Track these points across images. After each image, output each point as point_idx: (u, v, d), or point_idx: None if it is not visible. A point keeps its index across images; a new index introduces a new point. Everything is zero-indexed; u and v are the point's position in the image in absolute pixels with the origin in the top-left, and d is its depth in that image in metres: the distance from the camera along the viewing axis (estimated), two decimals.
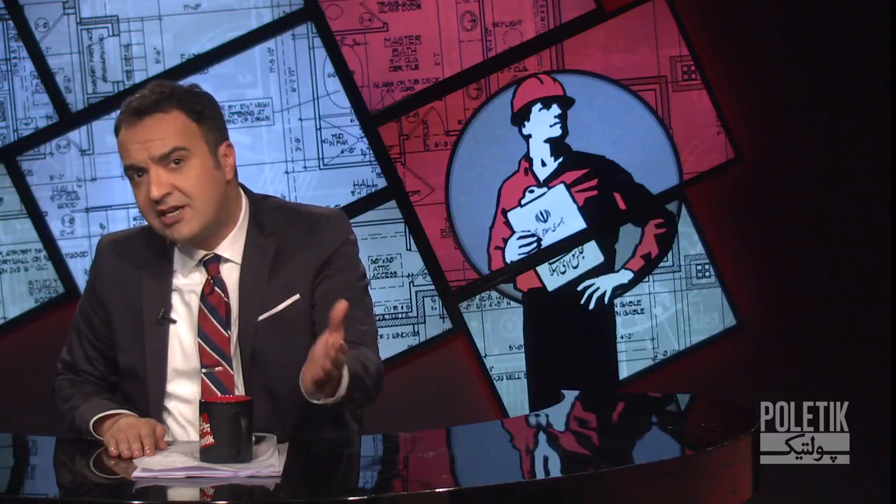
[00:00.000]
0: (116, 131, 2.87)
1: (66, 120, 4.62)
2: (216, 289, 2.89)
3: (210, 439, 2.57)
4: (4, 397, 4.54)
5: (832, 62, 4.76)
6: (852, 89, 4.77)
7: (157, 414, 2.88)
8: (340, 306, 2.53)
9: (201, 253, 2.91)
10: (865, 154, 4.78)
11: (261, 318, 2.87)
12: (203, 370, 2.87)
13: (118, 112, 2.89)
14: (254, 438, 2.63)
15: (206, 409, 2.59)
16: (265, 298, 2.88)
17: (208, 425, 2.57)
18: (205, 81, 4.05)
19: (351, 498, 2.40)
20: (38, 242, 4.62)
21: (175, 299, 2.91)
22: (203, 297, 2.89)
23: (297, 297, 2.89)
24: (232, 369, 2.87)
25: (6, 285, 4.62)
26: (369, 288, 3.00)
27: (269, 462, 2.58)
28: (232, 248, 2.91)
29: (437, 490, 2.44)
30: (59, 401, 2.98)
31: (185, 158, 2.83)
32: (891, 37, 4.72)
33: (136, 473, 2.55)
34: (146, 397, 2.89)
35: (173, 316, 2.90)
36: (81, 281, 4.60)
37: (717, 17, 4.76)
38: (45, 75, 4.59)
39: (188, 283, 2.91)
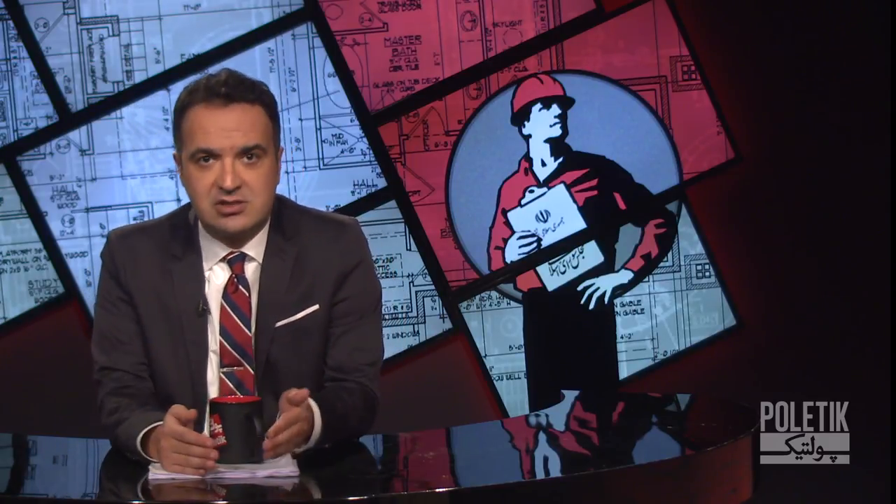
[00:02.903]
0: (184, 108, 2.79)
1: (66, 120, 4.61)
2: (240, 287, 2.84)
3: (222, 440, 2.53)
4: (4, 397, 4.54)
5: (832, 62, 4.76)
6: (852, 89, 4.76)
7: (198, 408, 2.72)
8: (301, 394, 2.60)
9: (227, 250, 2.85)
10: (865, 154, 4.78)
11: (279, 323, 2.83)
12: (223, 370, 2.82)
13: (187, 91, 2.80)
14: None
15: (218, 409, 2.54)
16: (284, 304, 2.84)
17: (220, 426, 2.53)
18: None
19: (351, 498, 2.40)
20: (38, 242, 4.61)
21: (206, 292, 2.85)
22: (226, 295, 2.84)
23: (315, 307, 2.85)
24: (252, 370, 2.82)
25: (6, 285, 4.62)
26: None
27: (285, 461, 2.57)
28: (257, 248, 2.86)
29: (437, 490, 2.43)
30: (108, 419, 2.80)
31: (260, 157, 2.79)
32: (891, 37, 4.72)
33: (149, 476, 2.54)
34: (183, 393, 2.80)
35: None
36: (81, 281, 4.60)
37: (717, 17, 4.76)
38: (45, 75, 4.59)
39: (211, 278, 2.85)
